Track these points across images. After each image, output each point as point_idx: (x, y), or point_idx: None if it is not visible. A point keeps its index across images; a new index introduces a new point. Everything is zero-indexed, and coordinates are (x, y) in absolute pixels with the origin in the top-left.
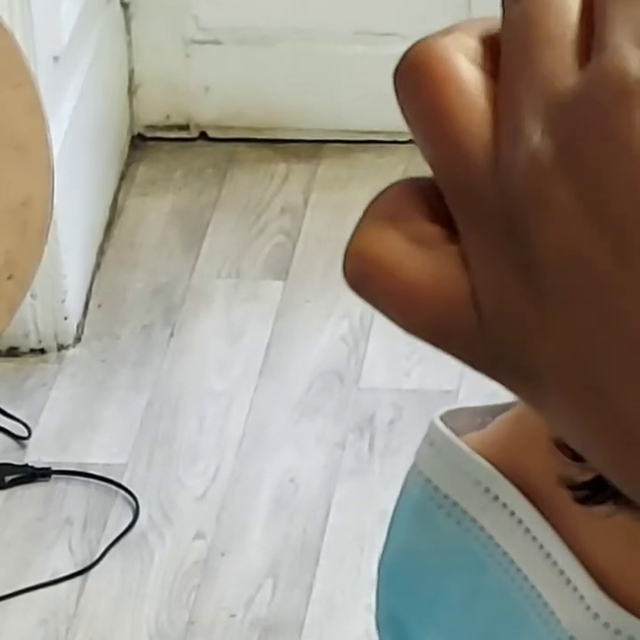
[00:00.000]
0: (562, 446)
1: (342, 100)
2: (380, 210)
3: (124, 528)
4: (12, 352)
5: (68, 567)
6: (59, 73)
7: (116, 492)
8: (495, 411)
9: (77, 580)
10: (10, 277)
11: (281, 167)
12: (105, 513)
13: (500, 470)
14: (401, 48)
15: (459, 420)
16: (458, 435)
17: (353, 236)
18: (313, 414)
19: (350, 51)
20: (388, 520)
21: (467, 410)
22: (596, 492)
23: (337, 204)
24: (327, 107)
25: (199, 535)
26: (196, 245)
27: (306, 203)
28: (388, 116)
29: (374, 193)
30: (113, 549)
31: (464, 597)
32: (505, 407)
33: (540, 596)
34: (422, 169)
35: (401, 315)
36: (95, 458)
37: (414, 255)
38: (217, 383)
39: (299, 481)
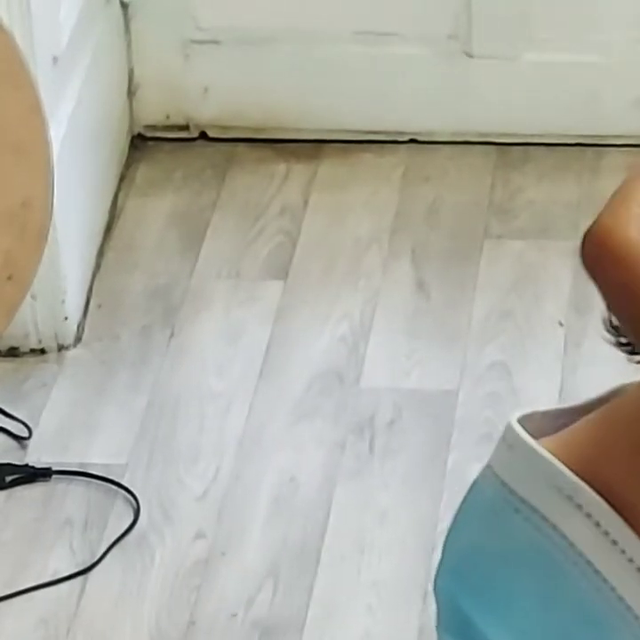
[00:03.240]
0: None
1: (342, 100)
2: (632, 197)
3: (124, 528)
4: (13, 352)
5: (69, 567)
6: (58, 74)
7: (117, 492)
8: (569, 414)
9: (78, 580)
10: (10, 278)
11: (281, 167)
12: (105, 513)
13: (582, 478)
14: (400, 48)
15: (534, 422)
16: (535, 438)
17: (601, 215)
18: (313, 415)
19: (350, 51)
20: (387, 520)
21: (541, 413)
22: None
23: (337, 204)
24: (327, 107)
25: (199, 535)
26: (195, 246)
27: (305, 203)
28: (388, 116)
29: (374, 193)
30: (113, 550)
31: (541, 601)
32: (578, 410)
33: (629, 608)
34: (422, 169)
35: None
36: (95, 458)
37: None
38: (217, 384)
39: (299, 481)
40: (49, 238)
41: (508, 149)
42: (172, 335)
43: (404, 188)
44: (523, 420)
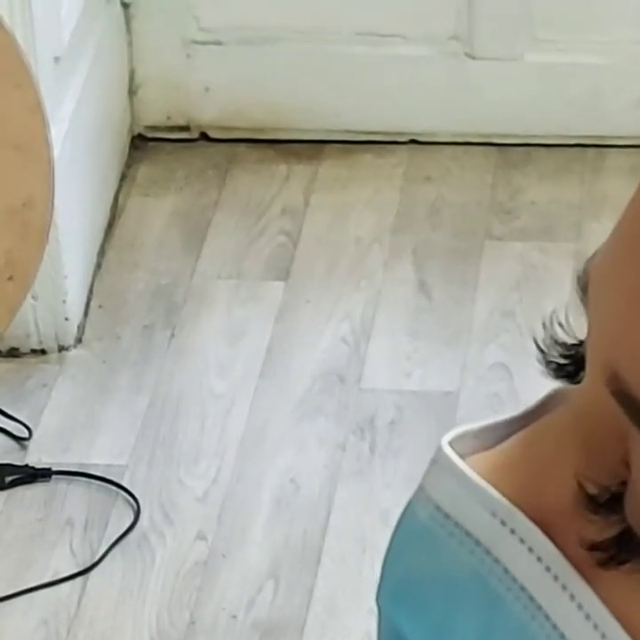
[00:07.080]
0: (586, 500)
1: (343, 100)
2: None
3: (125, 529)
4: (13, 353)
5: (69, 568)
6: (59, 73)
7: (117, 492)
8: (508, 426)
9: (78, 580)
10: (10, 278)
11: (281, 168)
12: (106, 514)
13: (515, 501)
14: (402, 49)
15: (466, 442)
16: (466, 456)
17: None
18: (314, 415)
19: (351, 51)
20: (389, 521)
21: (473, 431)
22: (619, 549)
23: (337, 204)
24: (328, 107)
25: (200, 536)
26: (196, 246)
27: (306, 203)
28: (388, 116)
29: (375, 193)
30: (114, 550)
31: (479, 629)
32: (517, 421)
33: (563, 636)
34: (423, 169)
35: None
36: (96, 458)
37: None
38: (218, 384)
39: (300, 482)
40: (50, 238)
41: (509, 150)
42: (172, 335)
43: (405, 189)
44: (455, 441)
